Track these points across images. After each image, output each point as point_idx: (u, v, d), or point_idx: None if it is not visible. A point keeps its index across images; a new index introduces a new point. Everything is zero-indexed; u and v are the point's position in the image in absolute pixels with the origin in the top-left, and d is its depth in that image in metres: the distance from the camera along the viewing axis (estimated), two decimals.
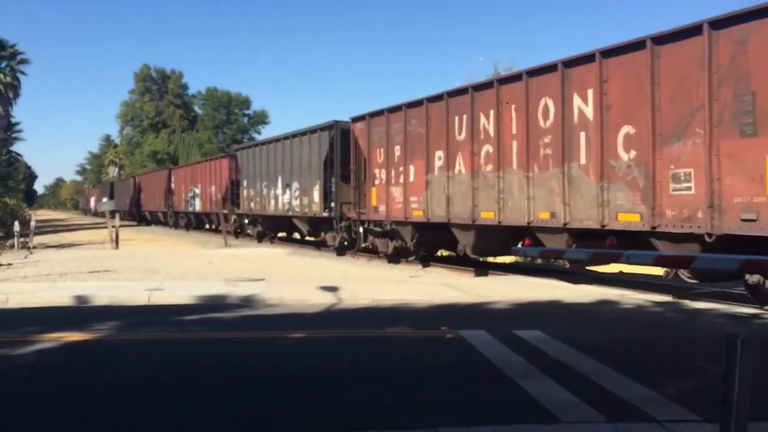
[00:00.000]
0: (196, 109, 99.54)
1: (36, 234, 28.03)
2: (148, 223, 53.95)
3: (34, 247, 24.79)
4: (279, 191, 26.50)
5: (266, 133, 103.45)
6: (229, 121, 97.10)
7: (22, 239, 25.99)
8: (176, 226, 45.10)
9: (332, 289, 12.37)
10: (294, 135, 25.28)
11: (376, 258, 20.57)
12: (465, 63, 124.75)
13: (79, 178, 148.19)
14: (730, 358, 3.97)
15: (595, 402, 5.42)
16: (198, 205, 39.13)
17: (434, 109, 16.87)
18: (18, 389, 6.11)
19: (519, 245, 14.15)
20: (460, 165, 15.89)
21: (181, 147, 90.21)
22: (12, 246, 25.18)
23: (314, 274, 16.39)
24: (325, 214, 22.58)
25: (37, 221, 31.20)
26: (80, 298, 11.39)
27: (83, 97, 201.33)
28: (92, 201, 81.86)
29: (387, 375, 6.59)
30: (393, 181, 18.59)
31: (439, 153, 16.63)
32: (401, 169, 18.20)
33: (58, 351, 7.65)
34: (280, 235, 30.88)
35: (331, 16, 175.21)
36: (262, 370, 6.73)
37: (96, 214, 72.68)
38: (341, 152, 21.88)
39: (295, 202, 24.88)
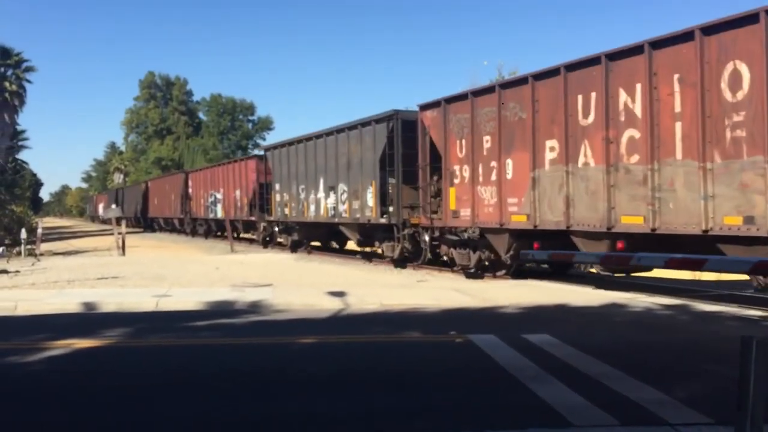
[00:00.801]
0: (201, 115, 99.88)
1: (43, 241, 28.13)
2: (161, 231, 51.46)
3: (41, 255, 24.86)
4: (321, 195, 23.31)
5: (271, 139, 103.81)
6: (234, 128, 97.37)
7: (29, 246, 26.06)
8: (194, 233, 42.26)
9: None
10: (340, 129, 21.89)
11: (447, 271, 17.60)
12: (468, 67, 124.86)
13: (84, 185, 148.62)
14: (744, 360, 3.95)
15: (606, 405, 5.40)
16: (220, 212, 36.12)
17: (543, 88, 13.62)
18: (32, 394, 6.13)
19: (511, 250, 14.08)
20: (587, 156, 12.60)
21: (186, 153, 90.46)
22: (19, 253, 25.24)
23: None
24: (383, 221, 19.33)
25: (44, 228, 31.27)
26: (88, 305, 11.40)
27: (88, 104, 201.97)
28: (100, 208, 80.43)
29: (399, 379, 6.58)
30: (481, 179, 15.41)
31: (551, 143, 13.40)
32: (493, 164, 14.96)
33: (70, 357, 7.66)
34: (314, 243, 27.32)
35: (334, 21, 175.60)
36: (288, 374, 6.72)
37: (104, 221, 71.74)
38: (403, 147, 18.60)
39: (342, 207, 21.69)
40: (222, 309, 11.27)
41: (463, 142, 16.04)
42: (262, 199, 29.56)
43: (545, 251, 12.61)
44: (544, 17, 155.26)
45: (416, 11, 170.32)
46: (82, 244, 35.06)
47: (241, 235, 35.31)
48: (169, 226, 49.05)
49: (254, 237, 32.84)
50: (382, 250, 20.71)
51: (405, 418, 5.37)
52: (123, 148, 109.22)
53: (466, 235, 16.06)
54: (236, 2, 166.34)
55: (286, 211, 26.54)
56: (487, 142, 15.26)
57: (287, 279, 16.06)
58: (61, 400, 5.94)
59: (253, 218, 30.54)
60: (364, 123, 20.31)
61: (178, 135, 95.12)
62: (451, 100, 16.65)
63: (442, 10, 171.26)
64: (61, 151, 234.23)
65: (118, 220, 29.57)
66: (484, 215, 15.41)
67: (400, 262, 19.25)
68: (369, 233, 21.10)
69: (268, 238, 29.96)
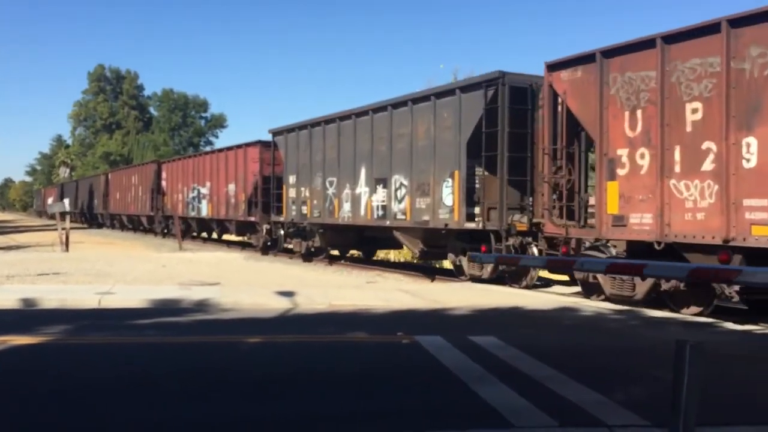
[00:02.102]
0: (152, 110, 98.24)
1: None
2: (123, 230, 46.21)
3: None
4: (362, 189, 18.53)
5: (225, 138, 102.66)
6: (186, 124, 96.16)
7: None
8: (166, 234, 36.85)
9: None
10: (398, 103, 17.18)
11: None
12: (425, 70, 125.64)
13: (28, 178, 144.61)
14: (679, 363, 4.07)
15: (548, 407, 5.48)
16: (206, 209, 30.72)
17: None
18: None
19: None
20: None
21: (135, 149, 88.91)
22: None
23: None
24: (470, 225, 14.78)
25: None
26: (28, 301, 11.08)
27: (33, 95, 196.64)
28: (49, 201, 73.84)
29: (342, 380, 6.57)
30: (678, 169, 10.74)
31: None
32: (708, 146, 10.29)
33: (4, 355, 7.42)
34: (329, 251, 22.57)
35: (292, 19, 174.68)
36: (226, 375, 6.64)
37: (52, 216, 69.25)
38: (510, 124, 14.00)
39: (399, 206, 17.06)
40: (168, 307, 11.08)
41: (639, 114, 11.35)
42: (266, 195, 24.73)
43: (492, 254, 12.77)
44: (501, 20, 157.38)
45: (381, 11, 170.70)
46: (24, 239, 34.07)
47: (229, 238, 31.26)
48: (134, 225, 43.99)
49: (250, 241, 27.79)
50: (458, 264, 15.78)
51: (344, 420, 5.36)
52: (70, 141, 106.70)
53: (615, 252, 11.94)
54: None
55: (305, 210, 21.68)
56: (695, 112, 10.51)
57: (237, 278, 15.89)
58: None
59: (252, 219, 25.66)
60: (442, 93, 15.76)
61: (127, 130, 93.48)
62: (615, 51, 11.82)
63: (407, 10, 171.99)
64: (4, 143, 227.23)
65: (62, 215, 28.79)
66: (684, 224, 10.63)
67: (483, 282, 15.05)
68: (439, 242, 16.36)
69: (269, 243, 25.24)
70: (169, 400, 5.77)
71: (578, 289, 13.28)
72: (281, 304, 11.35)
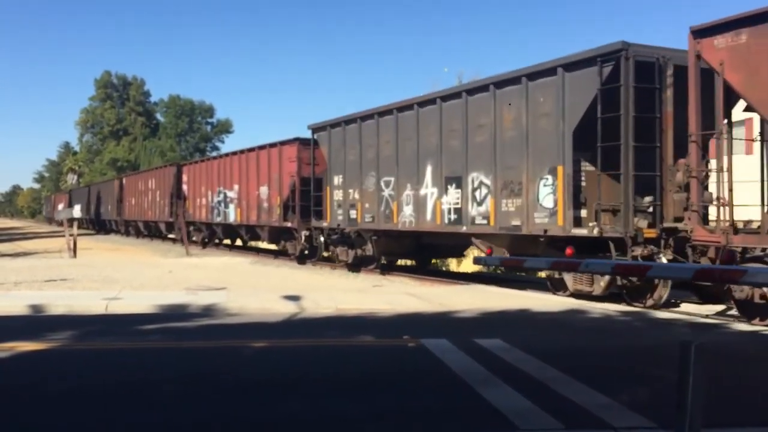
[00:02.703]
0: (158, 116, 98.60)
1: None
2: (140, 236, 43.39)
3: None
4: (429, 190, 16.21)
5: (231, 143, 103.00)
6: (192, 129, 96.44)
7: None
8: (187, 240, 32.92)
9: None
10: (477, 88, 14.78)
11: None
12: (430, 74, 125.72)
13: (36, 185, 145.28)
14: (684, 364, 4.05)
15: (553, 410, 5.47)
16: (233, 214, 27.86)
17: None
18: None
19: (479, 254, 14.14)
20: None
21: (142, 155, 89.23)
22: None
23: None
24: (579, 232, 12.32)
25: None
26: (35, 308, 11.12)
27: (41, 103, 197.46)
28: (59, 208, 72.92)
29: (348, 383, 6.57)
30: None
31: None
32: None
33: (12, 361, 7.46)
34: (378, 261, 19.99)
35: (295, 26, 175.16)
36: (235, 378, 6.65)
37: (62, 223, 66.91)
38: (636, 107, 11.63)
39: (478, 209, 14.52)
40: (174, 312, 11.11)
41: None
42: (305, 198, 22.06)
43: (497, 257, 12.78)
44: (502, 26, 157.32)
45: (380, 19, 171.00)
46: (32, 246, 34.21)
47: (257, 245, 29.53)
48: (151, 232, 41.04)
49: (285, 249, 25.13)
50: (557, 278, 13.31)
51: (350, 423, 5.36)
52: (77, 148, 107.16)
53: None
54: (196, 4, 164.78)
55: (354, 214, 19.21)
56: None
57: (243, 283, 15.92)
58: (4, 405, 5.77)
59: (289, 224, 23.19)
60: (536, 73, 13.14)
61: (134, 136, 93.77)
62: None
63: (409, 15, 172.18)
64: (12, 151, 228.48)
65: (70, 222, 28.92)
66: None
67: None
68: (529, 250, 13.61)
69: (306, 251, 22.83)
70: (175, 404, 5.78)
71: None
72: (287, 309, 11.36)
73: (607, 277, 11.77)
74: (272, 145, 24.89)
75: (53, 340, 8.57)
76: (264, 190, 25.17)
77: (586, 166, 12.74)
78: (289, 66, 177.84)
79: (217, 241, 32.61)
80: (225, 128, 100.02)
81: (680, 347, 4.10)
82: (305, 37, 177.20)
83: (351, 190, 19.33)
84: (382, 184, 17.96)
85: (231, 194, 28.18)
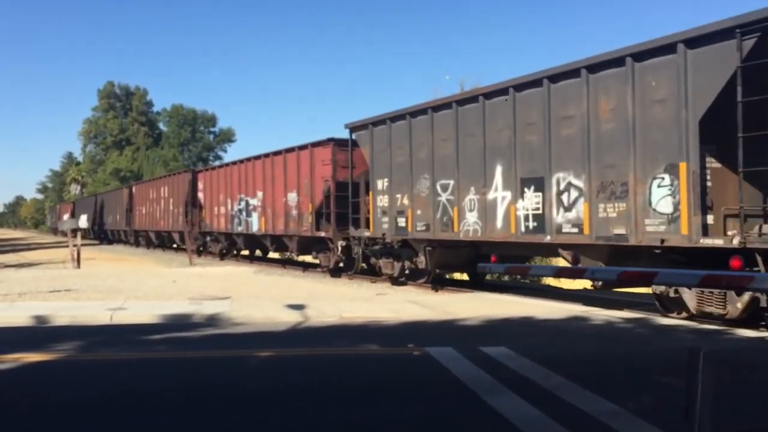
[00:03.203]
0: (161, 126, 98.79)
1: None
2: (151, 248, 41.41)
3: None
4: (498, 194, 14.01)
5: (233, 152, 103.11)
6: (195, 139, 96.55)
7: None
8: (200, 252, 32.48)
9: None
10: (563, 73, 12.57)
11: None
12: (432, 78, 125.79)
13: (39, 196, 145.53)
14: (692, 371, 4.03)
15: (560, 417, 5.44)
16: (257, 224, 25.63)
17: None
18: None
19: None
20: None
21: (145, 164, 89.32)
22: None
23: None
24: (714, 242, 10.14)
25: None
26: (40, 318, 11.13)
27: (44, 114, 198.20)
28: (65, 218, 73.42)
29: (355, 393, 6.55)
30: None
31: None
32: None
33: (17, 372, 7.45)
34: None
35: (297, 34, 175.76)
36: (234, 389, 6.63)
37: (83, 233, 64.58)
38: None
39: (566, 216, 12.46)
40: (179, 322, 11.10)
41: None
42: (341, 204, 19.88)
43: (502, 264, 12.72)
44: (503, 32, 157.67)
45: (382, 26, 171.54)
46: (36, 257, 34.25)
47: (284, 256, 27.29)
48: (164, 242, 39.09)
49: (315, 260, 23.37)
50: (673, 297, 11.21)
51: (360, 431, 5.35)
52: (80, 158, 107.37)
53: None
54: (197, 13, 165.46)
55: (402, 222, 17.06)
56: None
57: (247, 292, 15.90)
58: (8, 417, 5.76)
59: (322, 234, 20.91)
60: (647, 51, 11.10)
61: (137, 146, 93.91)
62: None
63: (410, 25, 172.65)
64: (15, 161, 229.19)
65: (74, 232, 28.94)
66: None
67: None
68: (636, 263, 11.39)
69: (341, 264, 20.68)
70: (180, 415, 5.77)
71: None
72: (292, 318, 11.35)
73: (746, 297, 9.83)
74: (302, 147, 22.36)
75: (58, 351, 8.56)
76: (293, 196, 22.81)
77: (712, 163, 10.73)
78: (290, 75, 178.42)
79: (237, 252, 30.57)
80: (227, 137, 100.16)
81: (688, 354, 4.08)
82: (306, 46, 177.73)
83: (399, 195, 17.19)
84: (438, 187, 15.79)
85: (254, 202, 25.91)
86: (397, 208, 17.26)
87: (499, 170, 14.11)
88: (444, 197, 15.66)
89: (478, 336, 9.86)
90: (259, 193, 25.44)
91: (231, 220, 28.24)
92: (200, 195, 31.97)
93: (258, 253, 30.35)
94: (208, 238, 31.65)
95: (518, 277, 22.17)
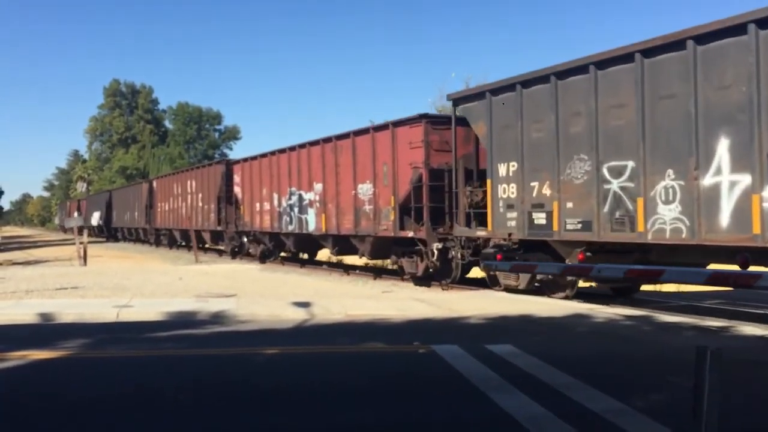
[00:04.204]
0: (167, 124, 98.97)
1: (1, 251, 27.52)
2: (175, 248, 37.95)
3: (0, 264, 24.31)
4: (723, 178, 10.35)
5: (239, 149, 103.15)
6: (201, 137, 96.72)
7: None
8: (235, 253, 29.40)
9: None
10: None
11: None
12: (437, 80, 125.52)
13: (46, 194, 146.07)
14: (699, 370, 4.02)
15: (567, 416, 5.43)
16: (314, 222, 21.92)
17: None
18: None
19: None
20: None
21: (151, 162, 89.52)
22: None
23: None
24: None
25: (3, 237, 30.63)
26: (46, 316, 11.16)
27: (51, 111, 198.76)
28: (76, 216, 68.24)
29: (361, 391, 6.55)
30: None
31: None
32: None
33: (24, 369, 7.47)
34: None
35: (302, 33, 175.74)
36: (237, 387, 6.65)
37: (96, 230, 59.76)
38: None
39: None
40: (185, 320, 11.12)
41: None
42: (436, 197, 16.52)
43: (508, 262, 12.70)
44: (507, 30, 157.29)
45: (387, 25, 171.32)
46: (42, 254, 34.37)
47: (352, 263, 23.44)
48: (189, 241, 34.05)
49: (394, 267, 19.55)
50: None
51: (363, 430, 5.34)
52: (87, 156, 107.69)
53: None
54: (203, 11, 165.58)
55: (541, 218, 13.37)
56: None
57: (253, 289, 15.92)
58: (13, 414, 5.78)
59: (409, 234, 17.12)
60: None
61: (143, 144, 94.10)
62: None
63: (415, 23, 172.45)
64: (22, 159, 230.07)
65: (80, 230, 29.04)
66: None
67: None
68: None
69: (430, 268, 16.95)
70: (185, 413, 5.78)
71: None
72: (297, 315, 11.36)
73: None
74: (380, 128, 18.51)
75: (65, 348, 8.58)
76: (365, 188, 18.93)
77: None
78: (295, 73, 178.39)
79: (283, 254, 26.97)
80: (233, 135, 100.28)
81: (696, 353, 4.06)
82: (311, 44, 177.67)
83: (535, 184, 13.48)
84: (606, 172, 12.14)
85: (310, 196, 22.13)
86: (533, 201, 13.53)
87: (723, 144, 10.33)
88: (616, 184, 11.99)
89: (484, 334, 9.86)
90: (318, 186, 21.61)
91: (279, 217, 24.44)
92: (236, 189, 28.41)
93: (319, 256, 26.87)
94: (245, 239, 28.24)
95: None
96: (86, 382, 6.93)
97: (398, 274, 19.00)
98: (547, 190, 13.30)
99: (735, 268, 9.66)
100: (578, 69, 12.60)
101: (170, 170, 60.78)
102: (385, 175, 18.17)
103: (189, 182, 34.51)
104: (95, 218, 55.39)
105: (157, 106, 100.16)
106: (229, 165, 30.04)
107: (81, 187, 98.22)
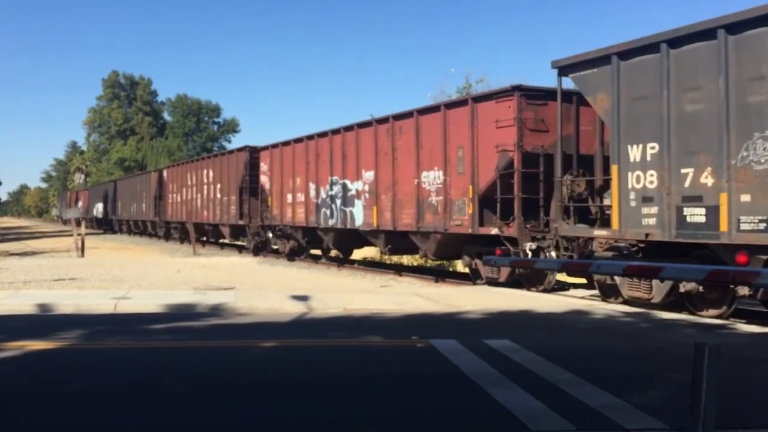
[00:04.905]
0: (166, 116, 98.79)
1: None
2: (186, 242, 34.34)
3: None
4: None
5: (237, 142, 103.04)
6: (199, 129, 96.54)
7: None
8: (257, 250, 26.90)
9: None
10: None
11: None
12: (437, 75, 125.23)
13: (44, 185, 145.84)
14: (697, 366, 4.03)
15: (564, 411, 5.44)
16: (362, 215, 19.38)
17: None
18: None
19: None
20: None
21: (149, 154, 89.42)
22: None
23: None
24: None
25: (1, 229, 30.55)
26: (44, 307, 11.16)
27: (49, 102, 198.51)
28: (78, 206, 61.42)
29: (358, 385, 6.56)
30: None
31: None
32: None
33: (21, 360, 7.47)
34: None
35: (301, 26, 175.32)
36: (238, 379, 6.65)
37: (98, 222, 58.14)
38: None
39: None
40: (183, 312, 11.12)
41: None
42: (529, 187, 14.05)
43: (507, 257, 12.68)
44: (511, 27, 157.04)
45: (386, 20, 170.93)
46: (40, 245, 34.34)
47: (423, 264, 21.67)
48: (207, 236, 33.19)
49: (476, 269, 15.76)
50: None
51: (360, 423, 5.35)
52: (85, 148, 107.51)
53: None
54: (202, 3, 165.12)
55: (699, 214, 10.44)
56: None
57: (251, 283, 15.92)
58: (10, 405, 5.78)
59: (492, 231, 14.60)
60: None
61: (141, 136, 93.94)
62: None
63: (415, 18, 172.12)
64: (20, 150, 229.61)
65: (77, 221, 29.01)
66: None
67: None
68: None
69: (518, 273, 14.39)
70: (184, 405, 5.78)
71: (595, 291, 13.20)
72: (296, 308, 11.36)
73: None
74: (454, 104, 16.07)
75: (62, 339, 8.58)
76: (432, 176, 16.41)
77: None
78: (294, 66, 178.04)
79: (315, 252, 24.51)
80: (231, 127, 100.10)
81: (694, 349, 4.07)
82: (311, 37, 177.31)
83: (688, 170, 10.66)
84: None
85: (357, 186, 19.52)
86: (685, 192, 10.73)
87: None
88: None
89: (482, 328, 9.86)
90: (368, 174, 19.00)
91: (317, 210, 21.89)
92: (263, 179, 25.94)
93: (365, 254, 24.20)
94: (270, 234, 25.93)
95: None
96: (84, 372, 6.92)
97: (469, 278, 16.37)
98: (708, 179, 10.39)
99: None
100: (764, 18, 9.62)
101: (168, 162, 59.35)
102: (459, 161, 15.53)
103: (205, 171, 31.85)
104: (98, 209, 54.38)
105: (156, 98, 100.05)
106: (254, 152, 27.04)
107: (79, 178, 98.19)
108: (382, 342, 8.87)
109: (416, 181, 17.00)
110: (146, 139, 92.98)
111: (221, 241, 32.45)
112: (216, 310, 11.22)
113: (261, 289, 14.51)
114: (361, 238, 20.58)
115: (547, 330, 9.81)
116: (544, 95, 14.07)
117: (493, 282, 14.49)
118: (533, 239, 13.81)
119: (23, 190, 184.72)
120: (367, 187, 19.22)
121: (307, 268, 21.71)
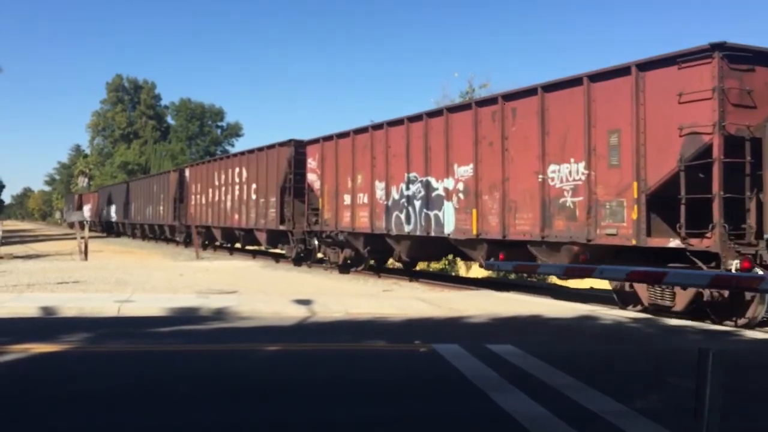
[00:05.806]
0: (169, 120, 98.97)
1: (3, 244, 27.56)
2: (213, 249, 32.78)
3: (1, 258, 24.31)
4: None
5: (240, 146, 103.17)
6: (203, 133, 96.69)
7: None
8: (300, 260, 23.54)
9: None
10: None
11: None
12: (440, 79, 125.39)
13: (47, 188, 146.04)
14: (701, 371, 4.02)
15: (566, 416, 5.43)
16: (454, 221, 15.70)
17: None
18: None
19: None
20: None
21: (153, 158, 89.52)
22: None
23: None
24: None
25: (4, 231, 30.65)
26: (48, 309, 11.17)
27: (53, 106, 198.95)
28: (86, 210, 59.10)
29: (360, 389, 6.55)
30: None
31: None
32: None
33: (25, 362, 7.48)
34: None
35: (303, 30, 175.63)
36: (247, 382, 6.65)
37: (109, 226, 56.08)
38: None
39: None
40: (186, 315, 11.13)
41: None
42: (734, 184, 10.31)
43: (510, 262, 12.66)
44: (514, 33, 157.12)
45: (390, 24, 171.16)
46: (43, 248, 34.36)
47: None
48: (232, 242, 30.15)
49: (613, 292, 12.68)
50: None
51: (362, 427, 5.35)
52: (88, 151, 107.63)
53: None
54: (206, 7, 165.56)
55: None
56: None
57: (254, 287, 15.92)
58: (12, 405, 5.79)
59: (670, 243, 10.90)
60: None
61: (145, 139, 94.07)
62: None
63: (417, 22, 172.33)
64: (24, 153, 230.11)
65: (81, 225, 29.06)
66: None
67: None
68: None
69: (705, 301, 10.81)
70: (186, 408, 5.78)
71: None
72: (298, 312, 11.36)
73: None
74: (601, 76, 12.21)
75: (66, 342, 8.59)
76: (567, 170, 12.82)
77: None
78: (297, 71, 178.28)
79: (381, 263, 21.42)
80: (235, 131, 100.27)
81: (698, 354, 4.06)
82: (315, 42, 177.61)
83: None
84: None
85: (445, 184, 15.99)
86: None
87: None
88: None
89: (485, 333, 9.85)
90: (462, 169, 15.46)
91: (385, 214, 18.24)
92: (310, 177, 22.30)
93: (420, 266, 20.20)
94: (316, 241, 22.49)
95: (525, 275, 22.13)
96: (87, 375, 6.93)
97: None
98: None
99: None
100: None
101: (172, 166, 57.31)
102: (612, 150, 11.93)
103: (237, 170, 28.22)
104: (111, 212, 52.85)
105: (160, 101, 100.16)
106: (300, 146, 23.26)
107: (82, 181, 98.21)
108: (384, 346, 8.86)
109: (540, 177, 13.30)
110: (150, 143, 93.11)
111: (248, 247, 28.60)
112: (219, 314, 11.23)
113: (264, 293, 14.51)
114: (448, 248, 17.06)
115: (551, 335, 9.81)
116: (752, 58, 10.64)
117: (663, 309, 10.93)
118: (738, 254, 10.16)
119: (27, 193, 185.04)
120: (461, 186, 15.54)
121: (308, 272, 21.70)
